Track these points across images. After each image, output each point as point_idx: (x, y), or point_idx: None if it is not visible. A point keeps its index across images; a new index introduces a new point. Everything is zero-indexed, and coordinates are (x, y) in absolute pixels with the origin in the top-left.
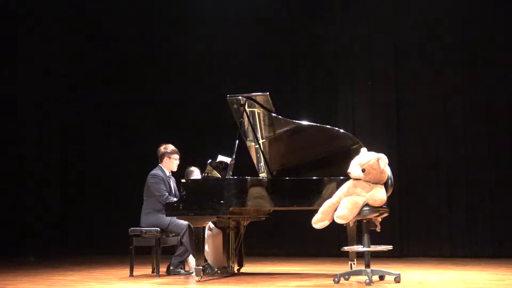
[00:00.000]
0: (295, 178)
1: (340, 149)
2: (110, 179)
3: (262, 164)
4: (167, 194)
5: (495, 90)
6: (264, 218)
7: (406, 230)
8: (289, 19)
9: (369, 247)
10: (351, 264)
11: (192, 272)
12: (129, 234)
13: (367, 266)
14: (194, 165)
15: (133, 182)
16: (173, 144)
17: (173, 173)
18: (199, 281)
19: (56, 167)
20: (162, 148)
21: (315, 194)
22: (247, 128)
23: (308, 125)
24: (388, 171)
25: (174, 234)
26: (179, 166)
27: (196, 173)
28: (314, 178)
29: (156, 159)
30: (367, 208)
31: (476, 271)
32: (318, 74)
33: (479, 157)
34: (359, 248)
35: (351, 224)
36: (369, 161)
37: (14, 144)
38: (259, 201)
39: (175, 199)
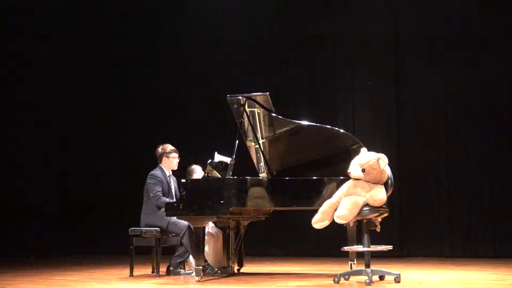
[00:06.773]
0: (295, 178)
1: (340, 149)
2: (110, 179)
3: (262, 164)
4: (160, 194)
5: (495, 90)
6: (264, 218)
7: (406, 230)
8: (289, 19)
9: (369, 247)
10: (351, 264)
11: (192, 272)
12: (129, 234)
13: (367, 266)
14: (195, 165)
15: (133, 182)
16: (172, 144)
17: (174, 172)
18: (199, 281)
19: (56, 167)
20: (159, 149)
21: (315, 194)
22: (247, 128)
23: (308, 125)
24: (388, 171)
25: (174, 234)
26: (180, 164)
27: (198, 171)
28: (314, 178)
29: (156, 159)
30: (367, 208)
31: (476, 271)
32: (318, 74)
33: (479, 157)
34: (359, 248)
35: (351, 224)
36: (369, 161)
37: (14, 144)
38: (259, 201)
39: (167, 200)
